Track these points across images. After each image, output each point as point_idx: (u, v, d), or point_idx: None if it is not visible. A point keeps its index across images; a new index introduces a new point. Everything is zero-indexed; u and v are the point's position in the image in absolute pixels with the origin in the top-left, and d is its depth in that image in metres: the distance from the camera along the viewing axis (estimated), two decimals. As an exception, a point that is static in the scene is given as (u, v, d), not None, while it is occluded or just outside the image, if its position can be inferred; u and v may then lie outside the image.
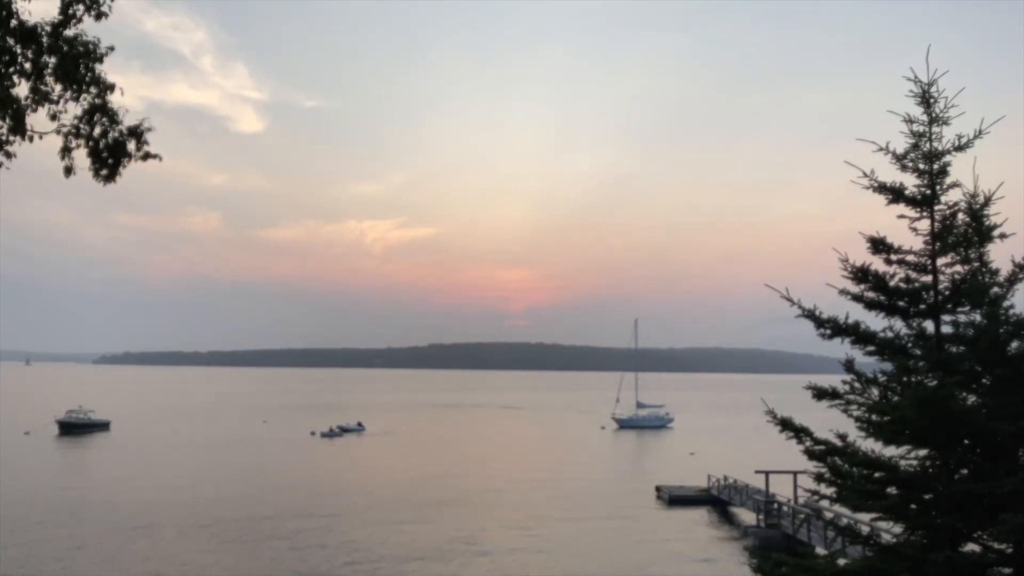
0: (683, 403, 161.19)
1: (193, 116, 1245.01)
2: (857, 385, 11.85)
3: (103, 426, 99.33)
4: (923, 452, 11.47)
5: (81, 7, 8.01)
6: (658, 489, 55.52)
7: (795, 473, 35.02)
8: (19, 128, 8.11)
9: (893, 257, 12.10)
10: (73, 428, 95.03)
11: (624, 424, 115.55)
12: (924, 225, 11.98)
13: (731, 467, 56.56)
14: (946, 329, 11.81)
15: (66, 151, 8.48)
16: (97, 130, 8.53)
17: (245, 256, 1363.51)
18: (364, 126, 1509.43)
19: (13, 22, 7.78)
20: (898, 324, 11.99)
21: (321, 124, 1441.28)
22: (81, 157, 8.58)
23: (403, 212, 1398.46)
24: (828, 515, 22.41)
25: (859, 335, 11.85)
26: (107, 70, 8.33)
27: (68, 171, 8.58)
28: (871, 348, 11.93)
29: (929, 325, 11.89)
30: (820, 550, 27.44)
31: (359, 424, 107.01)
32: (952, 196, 11.88)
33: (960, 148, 11.79)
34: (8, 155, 8.43)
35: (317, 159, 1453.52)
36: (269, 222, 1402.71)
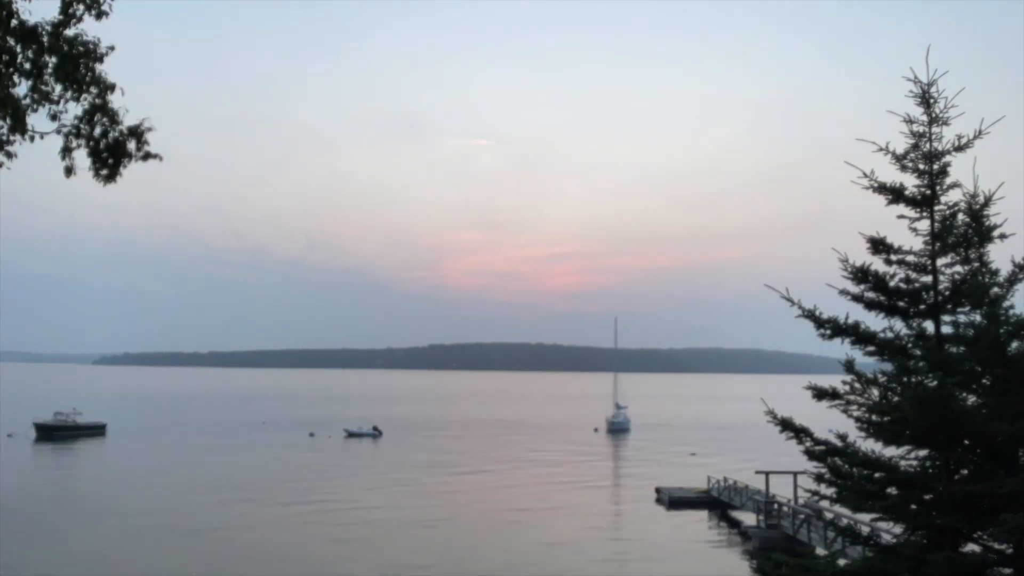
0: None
1: None
2: (857, 385, 11.86)
3: (97, 429, 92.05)
4: (923, 452, 11.48)
5: (81, 7, 8.00)
6: (658, 491, 55.44)
7: (795, 474, 35.00)
8: (20, 128, 8.10)
9: (893, 257, 12.12)
10: (54, 432, 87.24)
11: (615, 427, 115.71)
12: (924, 225, 12.01)
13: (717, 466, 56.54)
14: (946, 329, 11.83)
15: (67, 151, 8.48)
16: (97, 130, 8.52)
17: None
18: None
19: (13, 22, 7.77)
20: (898, 324, 12.03)
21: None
22: (81, 157, 8.58)
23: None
24: (828, 515, 22.40)
25: (859, 335, 11.87)
26: (107, 70, 8.34)
27: (69, 171, 8.58)
28: (871, 348, 11.96)
29: (929, 325, 11.91)
30: (820, 551, 27.41)
31: (375, 428, 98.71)
32: (952, 196, 11.94)
33: (960, 148, 11.81)
34: (9, 155, 8.43)
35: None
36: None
